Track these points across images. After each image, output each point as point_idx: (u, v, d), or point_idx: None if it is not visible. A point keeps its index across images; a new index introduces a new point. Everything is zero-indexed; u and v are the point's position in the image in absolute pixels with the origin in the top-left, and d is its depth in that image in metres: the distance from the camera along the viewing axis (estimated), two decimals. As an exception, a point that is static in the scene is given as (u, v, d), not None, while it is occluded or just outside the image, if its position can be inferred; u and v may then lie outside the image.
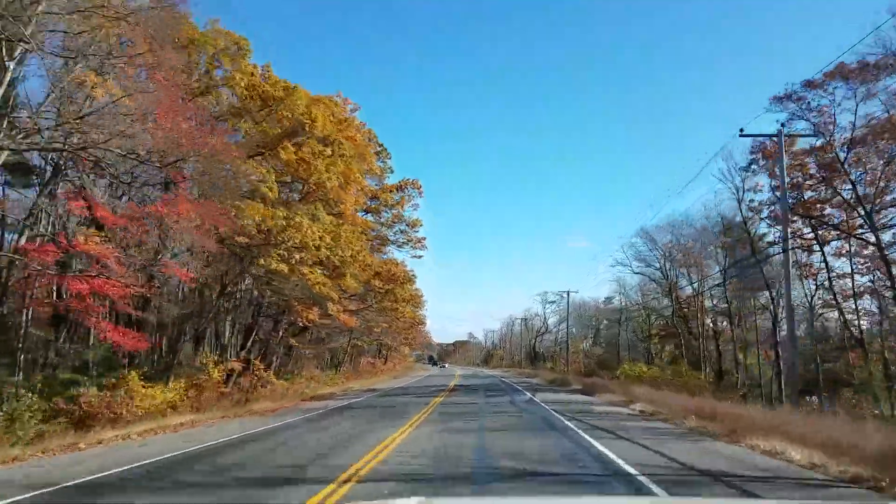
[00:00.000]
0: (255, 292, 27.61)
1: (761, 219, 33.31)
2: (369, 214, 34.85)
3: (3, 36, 10.40)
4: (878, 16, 41.45)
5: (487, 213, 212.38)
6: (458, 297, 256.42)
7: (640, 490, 7.45)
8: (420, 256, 36.92)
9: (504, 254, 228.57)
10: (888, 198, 23.23)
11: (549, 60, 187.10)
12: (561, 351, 75.02)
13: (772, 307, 33.07)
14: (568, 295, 53.15)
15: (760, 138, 24.75)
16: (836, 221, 26.21)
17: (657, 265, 45.83)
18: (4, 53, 11.28)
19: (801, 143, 25.28)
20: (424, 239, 34.67)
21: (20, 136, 12.75)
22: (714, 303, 43.95)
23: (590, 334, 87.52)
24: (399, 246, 35.65)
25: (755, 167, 29.59)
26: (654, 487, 7.55)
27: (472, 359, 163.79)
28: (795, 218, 26.26)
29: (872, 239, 22.91)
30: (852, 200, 23.28)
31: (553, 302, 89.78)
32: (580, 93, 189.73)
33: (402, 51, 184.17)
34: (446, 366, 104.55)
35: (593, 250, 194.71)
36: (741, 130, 17.82)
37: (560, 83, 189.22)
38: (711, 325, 43.63)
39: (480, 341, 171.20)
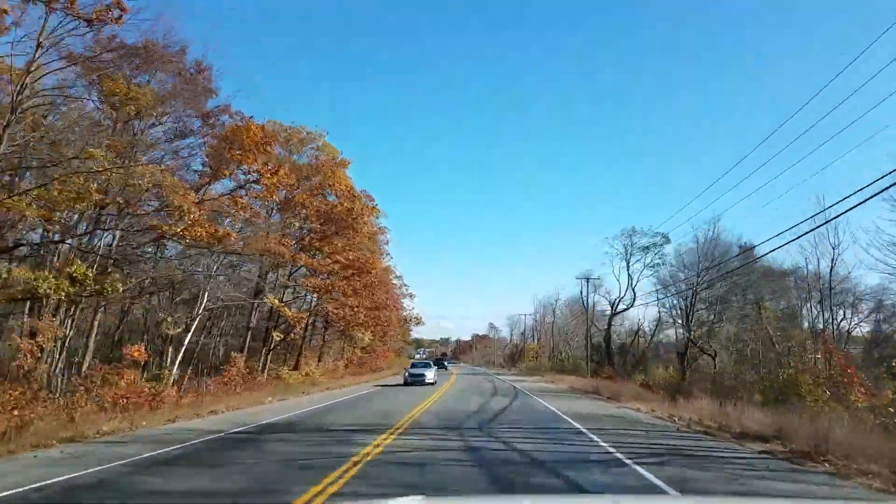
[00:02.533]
0: None
1: None
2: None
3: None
4: None
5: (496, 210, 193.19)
6: (456, 298, 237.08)
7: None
8: None
9: (513, 252, 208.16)
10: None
11: (552, 64, 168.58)
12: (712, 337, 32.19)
13: None
14: None
15: None
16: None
17: None
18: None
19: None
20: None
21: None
22: None
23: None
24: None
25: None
26: None
27: (493, 357, 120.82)
28: None
29: None
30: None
31: (645, 249, 46.56)
32: (571, 100, 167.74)
33: (416, 49, 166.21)
34: (440, 368, 62.18)
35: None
36: None
37: (569, 87, 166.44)
38: None
39: (505, 335, 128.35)
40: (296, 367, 34.49)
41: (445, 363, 69.36)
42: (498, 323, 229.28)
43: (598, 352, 51.64)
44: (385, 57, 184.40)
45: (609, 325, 47.65)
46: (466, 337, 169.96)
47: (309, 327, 36.73)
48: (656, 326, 55.15)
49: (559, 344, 76.62)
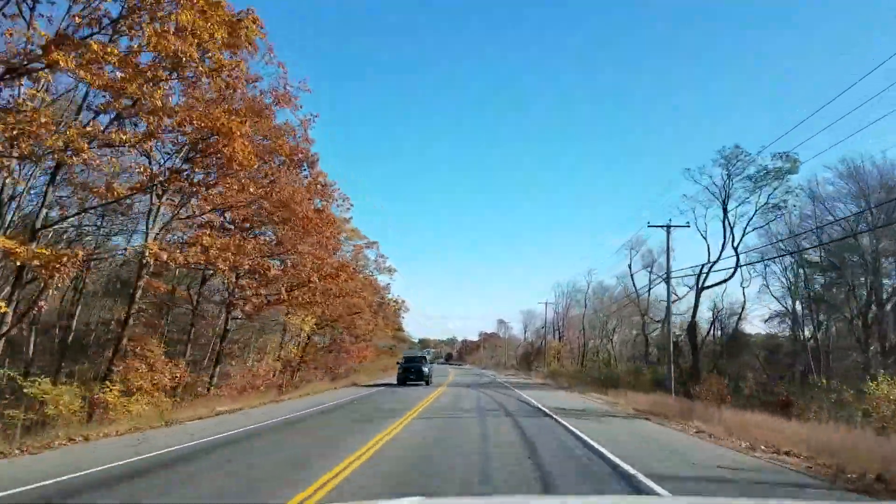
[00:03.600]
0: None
1: None
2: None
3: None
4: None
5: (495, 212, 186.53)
6: (457, 298, 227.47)
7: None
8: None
9: (513, 252, 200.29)
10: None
11: (552, 64, 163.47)
12: None
13: None
14: None
15: None
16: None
17: None
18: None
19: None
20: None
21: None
22: None
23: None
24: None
25: None
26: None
27: (504, 358, 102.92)
28: None
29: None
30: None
31: (759, 178, 28.33)
32: (571, 100, 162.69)
33: (416, 49, 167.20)
34: (416, 380, 36.93)
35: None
36: None
37: (569, 87, 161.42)
38: None
39: (517, 333, 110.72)
40: (106, 379, 16.76)
41: (424, 369, 36.60)
42: (507, 319, 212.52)
43: (662, 350, 33.67)
44: (385, 57, 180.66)
45: (695, 307, 29.42)
46: (473, 336, 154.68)
47: (140, 304, 18.94)
48: (741, 311, 37.22)
49: (591, 341, 58.27)
